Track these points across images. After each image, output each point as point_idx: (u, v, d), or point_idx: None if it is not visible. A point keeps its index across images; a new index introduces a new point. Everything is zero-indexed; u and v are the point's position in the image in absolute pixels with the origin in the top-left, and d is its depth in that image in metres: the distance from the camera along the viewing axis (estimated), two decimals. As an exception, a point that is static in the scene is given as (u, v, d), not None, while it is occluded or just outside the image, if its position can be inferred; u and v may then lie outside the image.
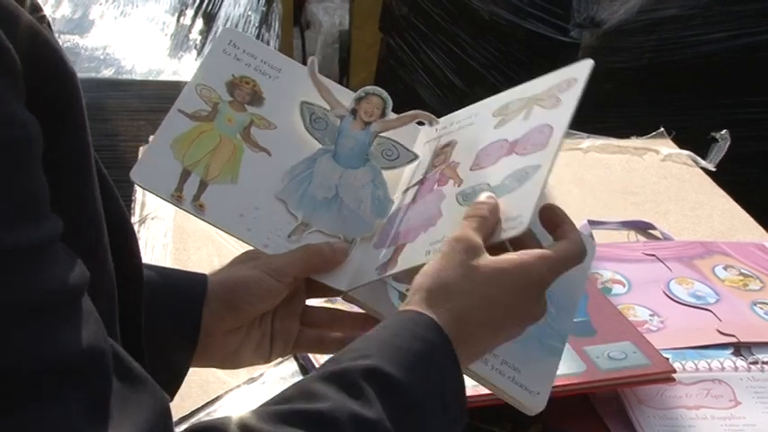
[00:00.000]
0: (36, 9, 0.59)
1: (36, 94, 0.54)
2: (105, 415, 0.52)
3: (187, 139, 0.82)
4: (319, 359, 0.99)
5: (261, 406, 0.62)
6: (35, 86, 0.54)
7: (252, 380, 1.02)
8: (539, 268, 0.70)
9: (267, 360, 0.84)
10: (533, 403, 0.79)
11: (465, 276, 0.69)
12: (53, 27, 0.62)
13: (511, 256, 0.70)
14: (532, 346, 0.81)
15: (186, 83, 0.85)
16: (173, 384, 0.81)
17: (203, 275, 0.82)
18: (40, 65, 0.55)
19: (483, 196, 0.73)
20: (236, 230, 0.81)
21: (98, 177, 0.62)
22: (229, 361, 0.84)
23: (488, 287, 0.69)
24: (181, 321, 0.79)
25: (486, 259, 0.69)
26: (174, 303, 0.79)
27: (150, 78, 2.37)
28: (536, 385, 0.80)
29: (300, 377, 1.01)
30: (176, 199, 0.81)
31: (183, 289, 0.80)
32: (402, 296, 0.80)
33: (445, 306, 0.68)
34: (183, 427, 0.67)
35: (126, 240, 0.68)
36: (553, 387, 0.90)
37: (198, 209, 0.81)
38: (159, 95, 2.27)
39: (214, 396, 1.01)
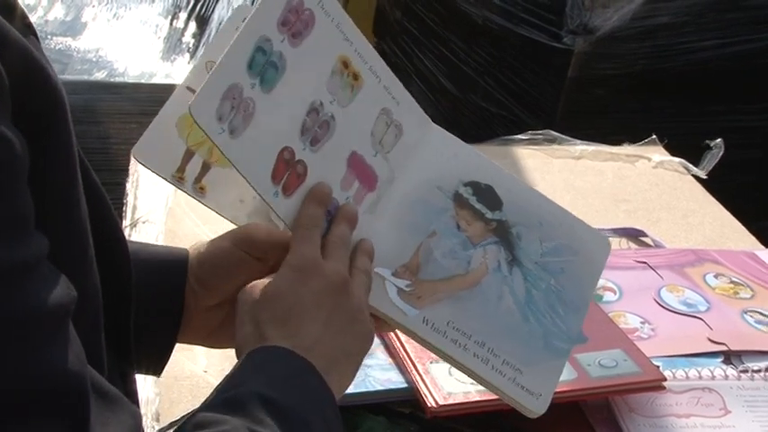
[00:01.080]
0: (23, 17, 0.59)
1: (22, 109, 0.54)
2: None
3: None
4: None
5: None
6: (21, 102, 0.54)
7: (242, 385, 1.02)
8: (287, 275, 0.71)
9: None
10: (535, 406, 0.79)
11: (255, 312, 0.70)
12: (46, 29, 0.62)
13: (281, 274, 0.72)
14: (537, 346, 0.80)
15: (178, 86, 0.84)
16: (159, 361, 0.81)
17: (184, 250, 0.81)
18: (27, 81, 0.55)
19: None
20: (235, 216, 0.79)
21: (87, 184, 0.62)
22: (214, 338, 0.83)
23: (268, 307, 0.70)
24: (163, 298, 0.79)
25: (258, 286, 0.71)
26: (156, 280, 0.78)
27: (143, 81, 2.37)
28: (538, 387, 0.79)
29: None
30: (177, 180, 0.79)
31: (165, 265, 0.79)
32: (400, 292, 0.80)
33: (269, 340, 0.68)
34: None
35: (115, 247, 0.68)
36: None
37: (198, 191, 0.79)
38: (152, 98, 2.27)
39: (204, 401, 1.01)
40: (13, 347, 0.50)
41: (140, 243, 0.83)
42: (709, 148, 1.53)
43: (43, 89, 0.56)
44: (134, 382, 0.75)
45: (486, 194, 0.85)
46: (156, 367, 0.82)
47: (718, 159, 1.53)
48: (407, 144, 0.83)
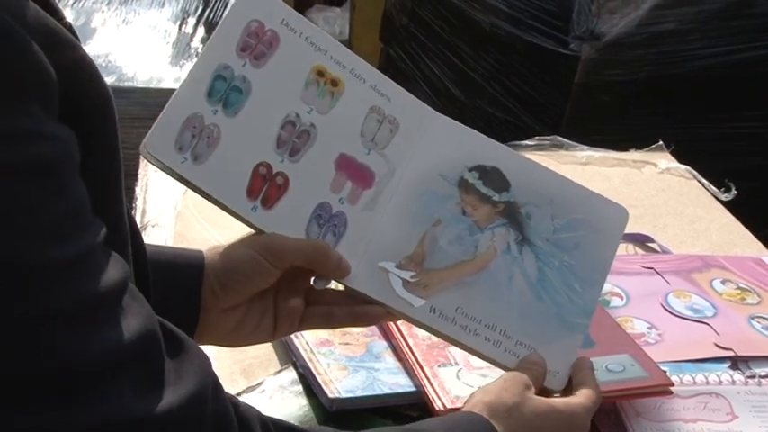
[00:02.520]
0: (65, 23, 0.61)
1: (70, 105, 0.56)
2: (161, 387, 0.58)
3: None
4: (318, 368, 1.00)
5: None
6: (69, 93, 0.56)
7: (251, 388, 1.03)
8: (582, 414, 0.79)
9: (272, 338, 0.85)
10: (552, 384, 0.80)
11: (523, 404, 0.77)
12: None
13: (562, 399, 0.79)
14: (552, 324, 0.81)
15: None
16: None
17: (200, 252, 0.82)
18: (78, 81, 0.57)
19: (534, 356, 0.81)
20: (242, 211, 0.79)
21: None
22: (231, 338, 0.84)
23: (540, 420, 0.77)
24: (179, 299, 0.80)
25: (539, 398, 0.78)
26: (173, 281, 0.79)
27: (152, 86, 2.37)
28: (555, 364, 0.80)
29: (299, 386, 1.02)
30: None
31: (181, 266, 0.81)
32: (406, 283, 0.80)
33: (503, 421, 0.75)
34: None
35: (137, 250, 0.69)
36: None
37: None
38: (160, 103, 2.27)
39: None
40: (83, 329, 0.55)
41: (155, 245, 0.85)
42: (729, 188, 1.53)
43: (94, 87, 0.59)
44: None
45: (493, 177, 0.85)
46: None
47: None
48: (407, 137, 0.84)
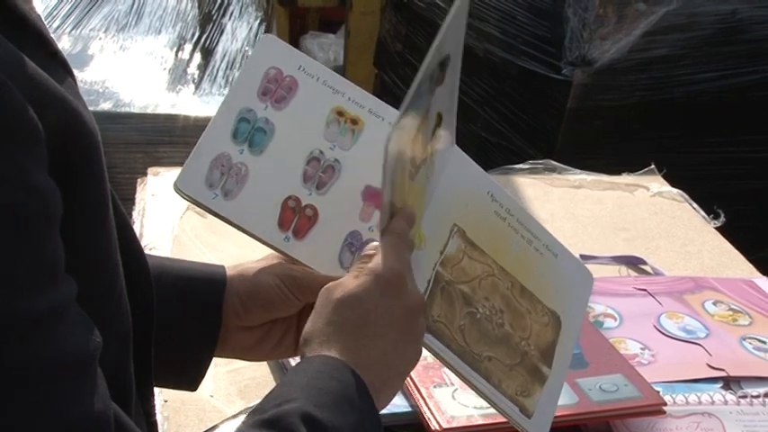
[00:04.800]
0: (61, 59, 0.61)
1: (58, 157, 0.56)
2: None
3: None
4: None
5: None
6: (58, 150, 0.56)
7: (248, 409, 1.03)
8: (369, 289, 0.71)
9: (294, 354, 0.85)
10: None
11: (331, 311, 0.71)
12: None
13: (349, 279, 0.72)
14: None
15: (183, 116, 0.88)
16: (196, 374, 0.83)
17: (222, 268, 0.83)
18: (64, 131, 0.57)
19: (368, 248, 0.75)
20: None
21: (115, 213, 0.64)
22: (252, 353, 0.85)
23: (347, 309, 0.70)
24: (201, 314, 0.81)
25: (339, 290, 0.71)
26: (196, 296, 0.81)
27: (148, 111, 2.39)
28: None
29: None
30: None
31: (204, 281, 0.82)
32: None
33: (331, 345, 0.69)
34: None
35: (141, 274, 0.70)
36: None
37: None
38: (157, 128, 2.29)
39: (210, 425, 1.02)
40: (42, 393, 0.53)
41: (177, 259, 0.86)
42: (718, 215, 1.55)
43: (79, 136, 0.59)
44: (153, 404, 0.77)
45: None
46: (191, 382, 0.85)
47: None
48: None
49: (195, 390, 0.86)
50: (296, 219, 0.81)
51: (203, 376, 0.84)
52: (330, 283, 0.73)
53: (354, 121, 0.85)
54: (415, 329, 0.72)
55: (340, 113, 0.85)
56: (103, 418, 0.56)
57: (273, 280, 0.81)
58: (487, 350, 0.80)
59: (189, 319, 0.80)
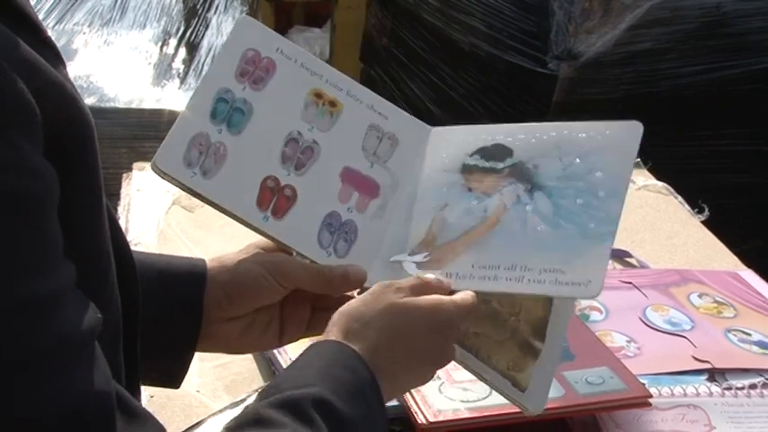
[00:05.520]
0: (54, 49, 0.61)
1: (54, 141, 0.56)
2: None
3: None
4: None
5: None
6: (54, 134, 0.56)
7: (235, 404, 1.03)
8: (448, 309, 0.75)
9: (279, 344, 0.85)
10: (586, 292, 0.77)
11: (383, 312, 0.73)
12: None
13: (426, 297, 0.75)
14: (574, 242, 0.79)
15: (168, 111, 0.89)
16: (179, 371, 0.83)
17: (202, 261, 0.83)
18: (61, 115, 0.57)
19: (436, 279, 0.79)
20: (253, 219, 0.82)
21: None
22: (237, 345, 0.85)
23: (400, 321, 0.73)
24: (182, 309, 0.81)
25: (405, 298, 0.75)
26: (176, 291, 0.81)
27: (133, 106, 2.38)
28: (585, 276, 0.78)
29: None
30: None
31: (185, 276, 0.82)
32: (419, 264, 0.82)
33: (362, 336, 0.72)
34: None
35: (128, 268, 0.70)
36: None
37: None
38: (141, 123, 2.28)
39: (197, 420, 1.02)
40: (44, 374, 0.53)
41: (154, 254, 0.86)
42: (703, 209, 1.55)
43: (76, 123, 0.60)
44: (140, 400, 0.76)
45: (494, 151, 0.87)
46: (174, 379, 0.84)
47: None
48: (407, 151, 0.88)
49: (178, 387, 0.85)
50: (275, 198, 0.82)
51: (185, 372, 0.83)
52: (395, 281, 0.76)
53: (333, 104, 0.86)
54: (437, 370, 0.77)
55: (318, 95, 0.85)
56: (106, 394, 0.57)
57: (256, 268, 0.81)
58: (474, 327, 0.81)
59: (169, 315, 0.80)
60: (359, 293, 0.81)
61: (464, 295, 0.77)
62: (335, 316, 0.74)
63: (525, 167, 0.85)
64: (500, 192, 0.84)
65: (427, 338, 0.74)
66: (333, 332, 0.73)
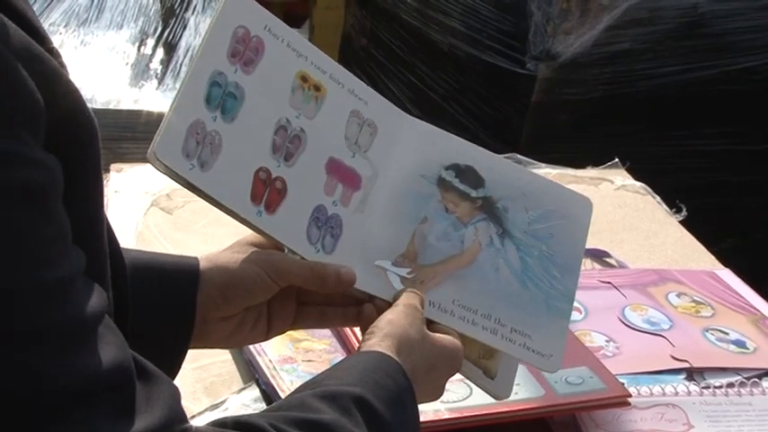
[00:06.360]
0: (51, 48, 0.61)
1: (56, 134, 0.57)
2: (133, 414, 0.59)
3: None
4: (281, 385, 1.00)
5: (263, 412, 0.69)
6: (55, 127, 0.57)
7: (214, 406, 1.03)
8: (457, 352, 0.81)
9: (266, 338, 0.86)
10: (548, 366, 0.83)
11: (424, 340, 0.78)
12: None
13: (449, 338, 0.81)
14: (540, 310, 0.84)
15: (146, 112, 0.87)
16: (172, 368, 0.82)
17: (195, 259, 0.83)
18: (61, 106, 0.58)
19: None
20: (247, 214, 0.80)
21: None
22: (227, 341, 0.85)
23: (434, 356, 0.79)
24: (175, 306, 0.81)
25: (434, 334, 0.80)
26: (168, 288, 0.81)
27: (111, 107, 2.37)
28: (549, 348, 0.83)
29: (263, 404, 1.02)
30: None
31: (177, 273, 0.82)
32: (404, 280, 0.83)
33: (407, 358, 0.75)
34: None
35: (118, 269, 0.70)
36: (511, 412, 0.92)
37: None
38: (119, 124, 2.27)
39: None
40: (62, 354, 0.56)
41: (148, 252, 0.86)
42: (680, 208, 1.56)
43: (78, 114, 0.60)
44: None
45: (468, 174, 0.88)
46: (169, 375, 0.84)
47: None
48: (385, 139, 0.86)
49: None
50: (267, 191, 0.79)
51: (178, 370, 0.83)
52: (415, 302, 0.80)
53: (317, 88, 0.82)
54: (456, 367, 0.82)
55: (304, 79, 0.82)
56: (125, 363, 0.59)
57: (253, 268, 0.81)
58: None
59: (161, 312, 0.80)
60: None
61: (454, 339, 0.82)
62: (382, 326, 0.78)
63: (495, 206, 0.88)
64: (474, 226, 0.86)
65: (442, 373, 0.80)
66: (383, 345, 0.76)
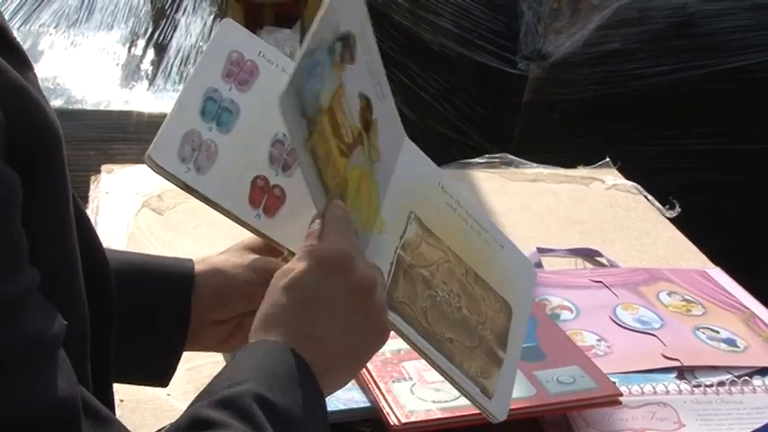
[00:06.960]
0: (21, 54, 0.60)
1: (17, 148, 0.56)
2: None
3: None
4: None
5: None
6: (17, 142, 0.56)
7: (205, 408, 1.02)
8: (306, 273, 0.69)
9: None
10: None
11: (278, 296, 0.69)
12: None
13: (301, 257, 0.70)
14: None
15: (137, 113, 0.88)
16: (167, 371, 0.83)
17: (190, 262, 0.83)
18: (24, 122, 0.57)
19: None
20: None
21: (76, 215, 0.63)
22: (226, 345, 0.85)
23: (294, 292, 0.69)
24: (170, 310, 0.81)
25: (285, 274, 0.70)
26: (163, 292, 0.81)
27: (101, 108, 2.36)
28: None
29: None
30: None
31: (172, 276, 0.82)
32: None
33: (279, 328, 0.68)
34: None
35: (101, 276, 0.69)
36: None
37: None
38: (110, 125, 2.27)
39: (168, 423, 1.01)
40: (6, 379, 0.53)
41: (145, 254, 0.86)
42: (672, 207, 1.57)
43: (40, 128, 0.59)
44: (113, 405, 0.76)
45: None
46: (162, 377, 0.85)
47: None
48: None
49: (167, 386, 0.85)
50: (265, 197, 0.82)
51: (173, 372, 0.83)
52: (281, 269, 0.71)
53: None
54: (370, 307, 0.69)
55: None
56: (71, 399, 0.56)
57: (249, 274, 0.81)
58: (448, 332, 0.81)
59: (155, 313, 0.80)
60: None
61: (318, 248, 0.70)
62: (254, 322, 0.71)
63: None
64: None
65: (326, 291, 0.69)
66: (252, 335, 0.70)
